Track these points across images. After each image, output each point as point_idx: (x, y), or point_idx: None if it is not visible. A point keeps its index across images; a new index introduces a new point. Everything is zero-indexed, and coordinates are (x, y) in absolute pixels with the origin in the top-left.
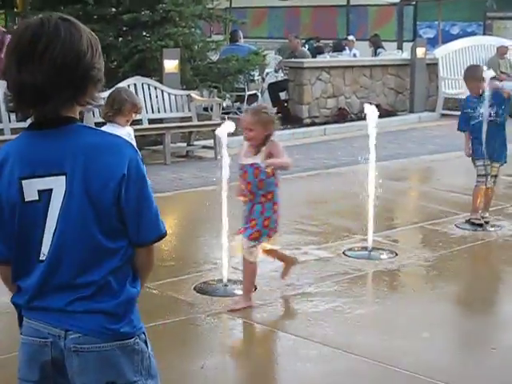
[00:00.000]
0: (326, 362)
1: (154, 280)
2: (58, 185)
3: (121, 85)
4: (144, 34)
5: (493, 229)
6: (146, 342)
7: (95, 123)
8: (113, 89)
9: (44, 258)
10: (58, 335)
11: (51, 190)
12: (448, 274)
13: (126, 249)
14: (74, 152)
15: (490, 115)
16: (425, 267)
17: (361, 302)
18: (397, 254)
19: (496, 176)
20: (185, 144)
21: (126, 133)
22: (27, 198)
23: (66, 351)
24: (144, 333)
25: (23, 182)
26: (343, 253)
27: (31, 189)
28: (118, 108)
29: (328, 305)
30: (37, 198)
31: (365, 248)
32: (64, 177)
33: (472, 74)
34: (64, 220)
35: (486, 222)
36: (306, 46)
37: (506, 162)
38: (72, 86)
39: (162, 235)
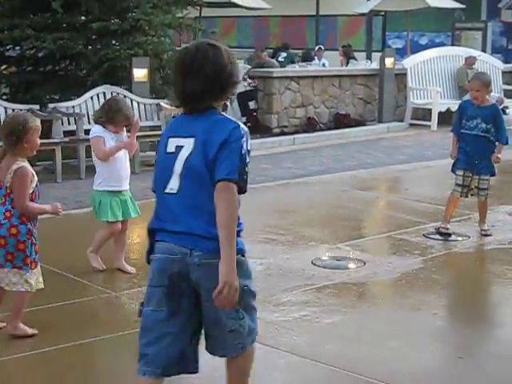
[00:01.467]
0: (294, 372)
1: (126, 288)
2: (188, 143)
3: (90, 93)
4: (113, 42)
5: (460, 238)
6: (244, 256)
7: (64, 131)
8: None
9: (171, 192)
10: (185, 253)
11: (183, 146)
12: (416, 283)
13: None
14: (203, 125)
15: (484, 130)
16: (393, 276)
17: (329, 311)
18: (365, 264)
19: (487, 189)
20: (154, 153)
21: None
22: (168, 150)
23: (190, 265)
24: (243, 249)
25: (169, 139)
26: (311, 262)
27: (172, 144)
28: (111, 117)
29: (296, 314)
30: (173, 150)
31: (333, 257)
32: (193, 139)
33: (486, 81)
34: (187, 165)
35: (486, 235)
36: (284, 54)
37: (495, 174)
38: (219, 90)
39: (230, 179)
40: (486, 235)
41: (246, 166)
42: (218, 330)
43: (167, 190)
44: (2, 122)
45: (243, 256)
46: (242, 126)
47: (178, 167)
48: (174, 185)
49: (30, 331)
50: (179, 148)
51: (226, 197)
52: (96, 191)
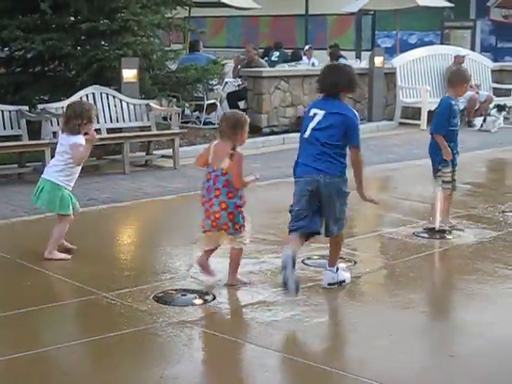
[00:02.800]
0: (286, 372)
1: (112, 289)
2: (320, 114)
3: (79, 94)
4: (102, 43)
5: (451, 236)
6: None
7: (53, 132)
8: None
9: (307, 137)
10: (318, 175)
11: (316, 114)
12: (407, 281)
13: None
14: (331, 104)
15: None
16: (383, 275)
17: (320, 310)
18: (355, 263)
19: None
20: (144, 153)
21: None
22: (308, 114)
23: (321, 184)
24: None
25: (311, 109)
26: (302, 261)
27: (311, 111)
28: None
29: (287, 313)
30: (311, 115)
31: (323, 256)
32: (324, 111)
33: (464, 77)
34: (318, 125)
35: (443, 231)
36: (277, 53)
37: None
38: (346, 89)
39: (355, 145)
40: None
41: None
42: (332, 220)
43: (305, 136)
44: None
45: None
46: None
47: (312, 125)
48: (307, 134)
49: (245, 280)
50: (314, 115)
51: (356, 157)
52: (57, 185)
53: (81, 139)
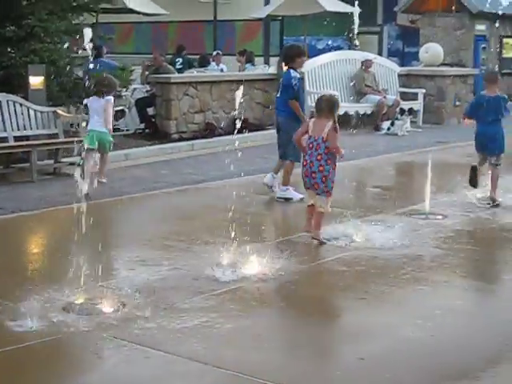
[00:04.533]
0: (196, 379)
1: (20, 300)
2: None
3: None
4: (9, 50)
5: (359, 240)
6: None
7: None
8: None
9: None
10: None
11: None
12: (314, 288)
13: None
14: None
15: None
16: (291, 281)
17: (229, 316)
18: (263, 270)
19: None
20: (52, 161)
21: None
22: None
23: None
24: None
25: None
26: (211, 268)
27: None
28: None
29: (196, 320)
30: None
31: (232, 263)
32: None
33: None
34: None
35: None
36: (180, 59)
37: None
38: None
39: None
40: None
41: None
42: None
43: None
44: None
45: None
46: None
47: None
48: None
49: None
50: None
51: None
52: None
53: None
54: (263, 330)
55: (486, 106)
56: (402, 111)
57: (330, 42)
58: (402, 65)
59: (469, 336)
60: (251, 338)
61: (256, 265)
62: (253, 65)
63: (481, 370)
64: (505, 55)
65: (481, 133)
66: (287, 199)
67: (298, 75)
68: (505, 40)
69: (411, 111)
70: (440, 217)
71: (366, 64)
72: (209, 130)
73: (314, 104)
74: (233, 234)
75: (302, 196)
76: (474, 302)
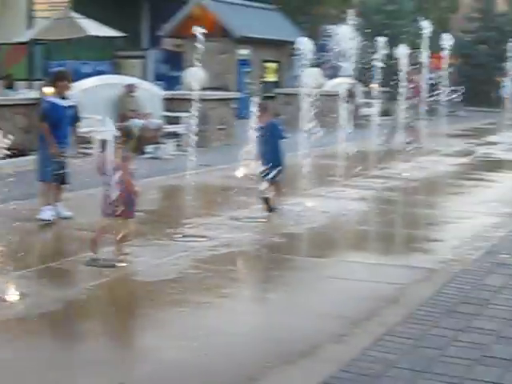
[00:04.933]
0: None
1: None
2: None
3: None
4: None
5: (124, 264)
6: None
7: None
8: None
9: None
10: None
11: None
12: (78, 312)
13: None
14: None
15: None
16: (52, 309)
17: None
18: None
19: None
20: None
21: None
22: None
23: None
24: None
25: None
26: None
27: None
28: None
29: None
30: None
31: None
32: None
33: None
34: None
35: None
36: None
37: None
38: None
39: None
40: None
41: None
42: None
43: None
44: None
45: None
46: None
47: None
48: None
49: None
50: None
51: None
52: None
53: None
54: (21, 362)
55: (261, 135)
56: (168, 135)
57: (95, 67)
58: (168, 89)
59: (230, 355)
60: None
61: (12, 293)
62: (13, 90)
63: None
64: (266, 79)
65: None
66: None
67: (59, 100)
68: (266, 64)
69: (176, 135)
70: (203, 239)
71: (130, 88)
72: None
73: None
74: None
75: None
76: (235, 321)
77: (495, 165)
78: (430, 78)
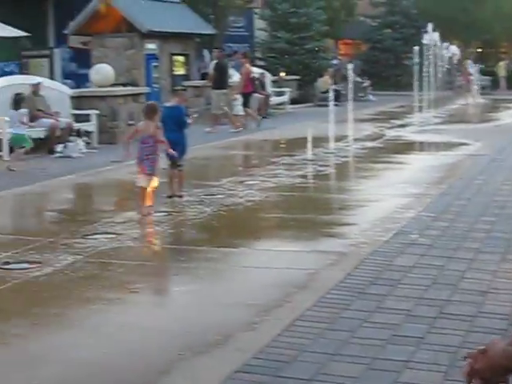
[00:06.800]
0: None
1: None
2: None
3: None
4: None
5: (33, 265)
6: None
7: None
8: None
9: None
10: None
11: None
12: None
13: None
14: None
15: None
16: None
17: None
18: None
19: None
20: None
21: None
22: None
23: None
24: None
25: None
26: None
27: None
28: None
29: None
30: None
31: None
32: None
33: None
34: None
35: None
36: None
37: None
38: None
39: None
40: None
41: None
42: None
43: None
44: None
45: None
46: None
47: None
48: None
49: None
50: None
51: None
52: None
53: None
54: None
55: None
56: (76, 133)
57: (2, 68)
58: (77, 87)
59: (142, 350)
60: None
61: None
62: None
63: (154, 382)
64: (175, 72)
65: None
66: None
67: None
68: (174, 57)
69: (85, 133)
70: (113, 236)
71: (35, 88)
72: None
73: None
74: None
75: None
76: (146, 316)
77: (404, 147)
78: (335, 65)
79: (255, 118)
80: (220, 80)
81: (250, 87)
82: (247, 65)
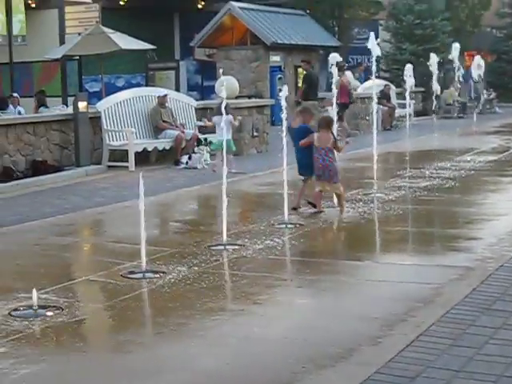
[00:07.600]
0: None
1: None
2: None
3: None
4: None
5: (157, 275)
6: None
7: None
8: None
9: None
10: None
11: None
12: (117, 324)
13: None
14: None
15: None
16: (92, 319)
17: (28, 361)
18: (63, 309)
19: None
20: None
21: None
22: None
23: None
24: None
25: None
26: (9, 314)
27: None
28: None
29: None
30: None
31: (29, 306)
32: None
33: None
34: None
35: None
36: None
37: None
38: None
39: None
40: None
41: None
42: None
43: None
44: None
45: None
46: None
47: None
48: None
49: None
50: None
51: None
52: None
53: None
54: (63, 371)
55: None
56: (206, 144)
57: (128, 80)
58: (201, 98)
59: (265, 362)
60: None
61: (54, 306)
62: (46, 107)
63: None
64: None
65: None
66: None
67: None
68: (299, 70)
69: (209, 143)
70: (238, 246)
71: (162, 100)
72: (6, 175)
73: (111, 142)
74: (31, 278)
75: None
76: (269, 328)
77: None
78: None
79: (346, 129)
80: (309, 91)
81: (345, 98)
82: (344, 76)
